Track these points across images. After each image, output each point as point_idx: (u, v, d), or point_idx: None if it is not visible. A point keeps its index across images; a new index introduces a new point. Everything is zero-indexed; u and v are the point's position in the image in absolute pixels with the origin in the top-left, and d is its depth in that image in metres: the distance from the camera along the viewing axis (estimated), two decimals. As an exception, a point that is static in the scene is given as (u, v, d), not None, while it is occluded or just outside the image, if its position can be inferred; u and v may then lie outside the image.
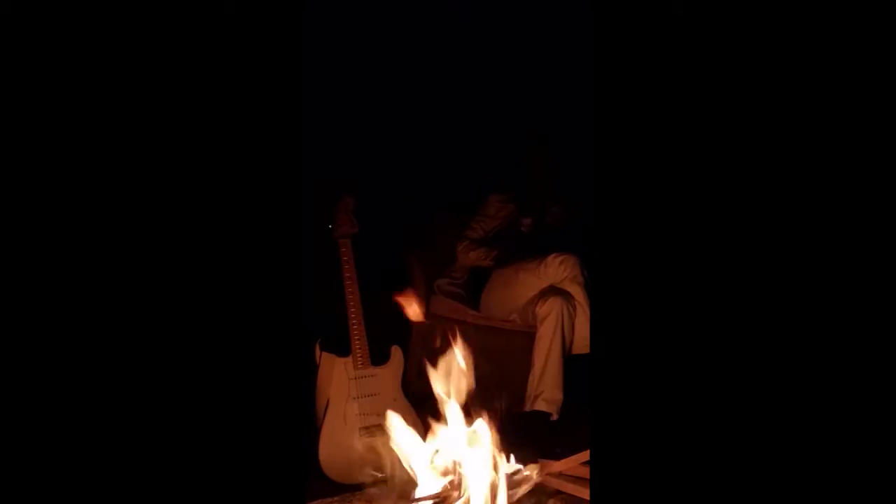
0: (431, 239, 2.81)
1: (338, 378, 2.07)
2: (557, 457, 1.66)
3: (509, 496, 1.47)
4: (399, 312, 2.41)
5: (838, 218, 1.00)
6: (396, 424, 1.58)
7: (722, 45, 1.03)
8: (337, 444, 2.01)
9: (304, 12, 1.13)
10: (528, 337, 2.41)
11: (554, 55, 2.73)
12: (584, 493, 1.55)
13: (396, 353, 2.16)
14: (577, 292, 2.41)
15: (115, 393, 1.04)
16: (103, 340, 1.04)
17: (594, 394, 1.10)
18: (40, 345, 1.02)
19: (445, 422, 1.54)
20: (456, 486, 1.48)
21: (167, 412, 1.06)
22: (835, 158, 0.99)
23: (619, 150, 1.08)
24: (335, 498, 1.73)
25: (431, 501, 1.49)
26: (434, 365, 1.59)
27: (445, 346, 1.62)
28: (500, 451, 1.50)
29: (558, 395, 2.32)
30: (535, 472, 1.58)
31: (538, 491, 1.59)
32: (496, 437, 1.49)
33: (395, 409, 2.04)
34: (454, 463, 1.50)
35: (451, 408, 1.53)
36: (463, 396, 1.55)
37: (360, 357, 2.09)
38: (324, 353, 2.11)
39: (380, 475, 1.91)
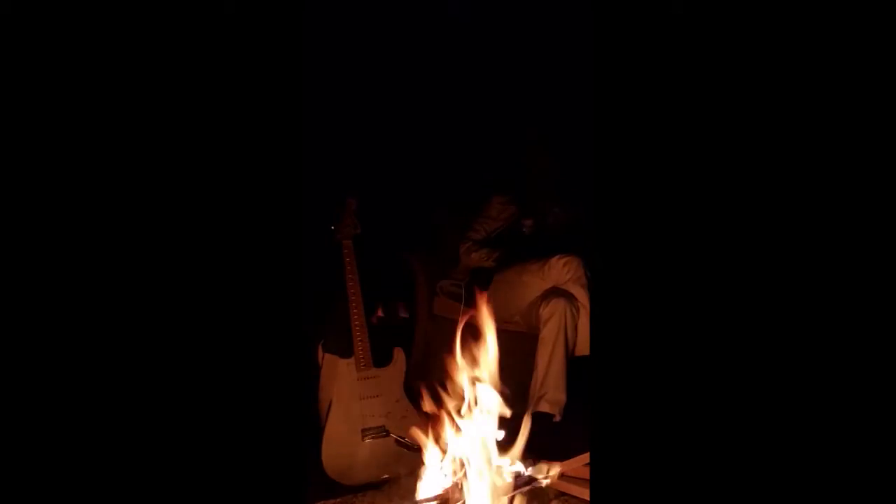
0: (434, 240, 2.81)
1: (340, 379, 2.07)
2: (560, 458, 1.66)
3: (510, 498, 1.47)
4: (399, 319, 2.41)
5: (839, 220, 0.99)
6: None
7: (722, 44, 1.03)
8: (339, 446, 2.01)
9: (304, 13, 1.13)
10: (531, 339, 2.41)
11: (554, 55, 2.73)
12: (587, 495, 1.54)
13: (399, 354, 2.15)
14: (581, 294, 2.41)
15: (117, 394, 1.04)
16: (105, 341, 1.04)
17: (594, 395, 1.10)
18: (40, 346, 1.02)
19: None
20: (459, 487, 1.48)
21: (169, 413, 1.06)
22: (836, 160, 0.99)
23: (620, 150, 1.08)
24: (337, 499, 1.73)
25: (434, 503, 1.49)
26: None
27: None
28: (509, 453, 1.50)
29: (561, 397, 2.32)
30: (538, 473, 1.57)
31: (541, 492, 1.58)
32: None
33: (398, 411, 2.05)
34: (459, 463, 1.50)
35: (484, 391, 1.52)
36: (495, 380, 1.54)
37: (363, 358, 2.09)
38: (326, 355, 2.11)
39: (383, 476, 1.91)
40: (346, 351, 2.10)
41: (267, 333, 1.11)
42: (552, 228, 2.68)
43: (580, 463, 1.64)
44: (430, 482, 1.53)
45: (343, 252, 2.16)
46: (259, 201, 1.11)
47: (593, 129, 1.09)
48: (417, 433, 1.58)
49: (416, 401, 2.07)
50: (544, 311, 2.36)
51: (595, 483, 1.12)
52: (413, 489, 1.56)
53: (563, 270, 2.44)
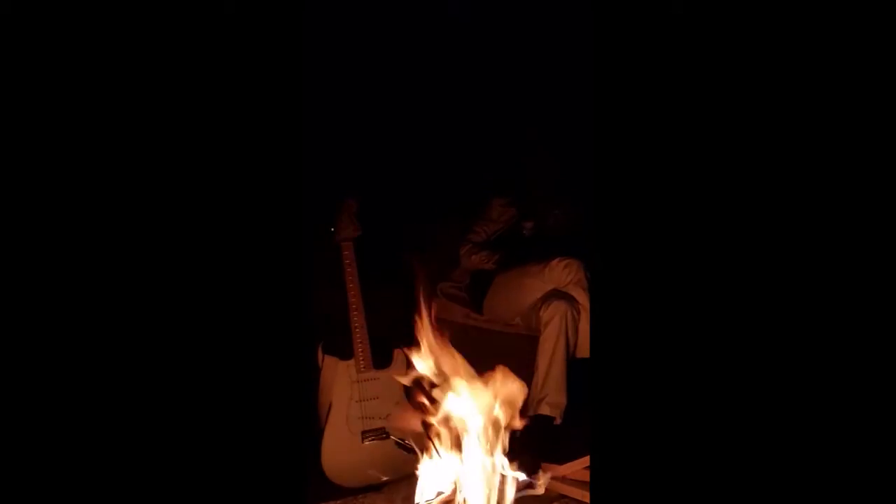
0: (434, 242, 2.80)
1: (340, 381, 2.06)
2: (561, 461, 1.65)
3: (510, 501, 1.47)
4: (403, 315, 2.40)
5: (840, 222, 0.99)
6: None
7: (722, 44, 1.02)
8: (339, 448, 2.00)
9: (304, 14, 1.12)
10: (531, 341, 2.40)
11: (554, 55, 2.72)
12: (588, 498, 1.54)
13: (399, 355, 2.15)
14: (581, 296, 2.40)
15: (117, 395, 1.04)
16: (106, 341, 1.04)
17: (595, 398, 1.10)
18: (38, 347, 1.02)
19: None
20: (459, 490, 1.47)
21: (169, 415, 1.06)
22: (837, 161, 0.99)
23: (620, 152, 1.08)
24: (337, 501, 1.73)
25: (434, 505, 1.49)
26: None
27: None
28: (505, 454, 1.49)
29: (562, 400, 2.31)
30: (539, 476, 1.57)
31: (541, 495, 1.58)
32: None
33: (397, 413, 2.05)
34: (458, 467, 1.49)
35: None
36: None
37: (363, 360, 2.09)
38: (326, 356, 2.11)
39: (383, 478, 1.91)
40: (345, 353, 2.10)
41: (267, 335, 1.11)
42: (552, 231, 2.68)
43: (580, 466, 1.64)
44: (430, 485, 1.52)
45: (343, 254, 2.16)
46: (259, 202, 1.11)
47: (593, 130, 1.09)
48: (417, 436, 1.58)
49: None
50: (545, 314, 2.35)
51: (595, 486, 1.12)
52: (413, 492, 1.56)
53: (563, 273, 2.44)
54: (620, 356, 1.08)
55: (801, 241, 1.00)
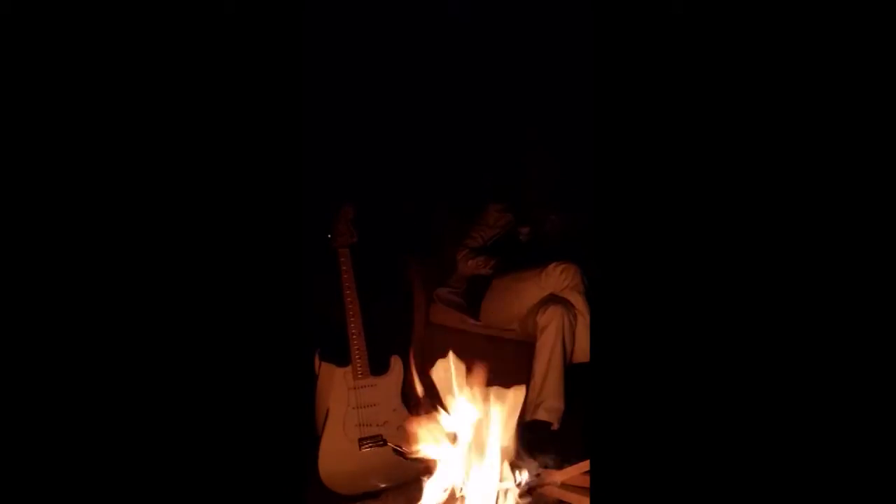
0: (431, 248, 2.80)
1: (337, 388, 2.06)
2: (559, 466, 1.65)
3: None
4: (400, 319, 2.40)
5: (841, 224, 0.99)
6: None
7: (722, 46, 1.03)
8: (336, 455, 2.00)
9: (303, 17, 1.12)
10: (528, 346, 2.40)
11: (552, 60, 2.73)
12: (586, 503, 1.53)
13: (396, 362, 2.15)
14: (578, 301, 2.40)
15: (113, 400, 1.03)
16: (103, 346, 1.03)
17: (593, 403, 1.10)
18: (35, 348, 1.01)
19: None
20: (459, 496, 1.47)
21: (166, 422, 1.05)
22: (840, 164, 0.99)
23: (619, 156, 1.08)
24: (335, 509, 1.72)
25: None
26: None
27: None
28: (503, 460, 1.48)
29: (559, 405, 2.31)
30: (536, 481, 1.56)
31: (539, 501, 1.57)
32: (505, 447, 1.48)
33: (395, 420, 2.04)
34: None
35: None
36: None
37: (360, 367, 2.08)
38: (323, 363, 2.10)
39: (379, 485, 1.90)
40: (343, 359, 2.09)
41: (264, 341, 1.11)
42: (549, 236, 2.68)
43: (579, 471, 1.63)
44: (429, 492, 1.51)
45: (339, 260, 2.15)
46: (258, 208, 1.10)
47: (593, 133, 1.09)
48: (415, 442, 1.57)
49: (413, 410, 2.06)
50: (542, 319, 2.35)
51: (594, 492, 1.11)
52: (411, 499, 1.55)
53: (560, 278, 2.44)
54: (620, 361, 1.07)
55: (801, 238, 1.00)
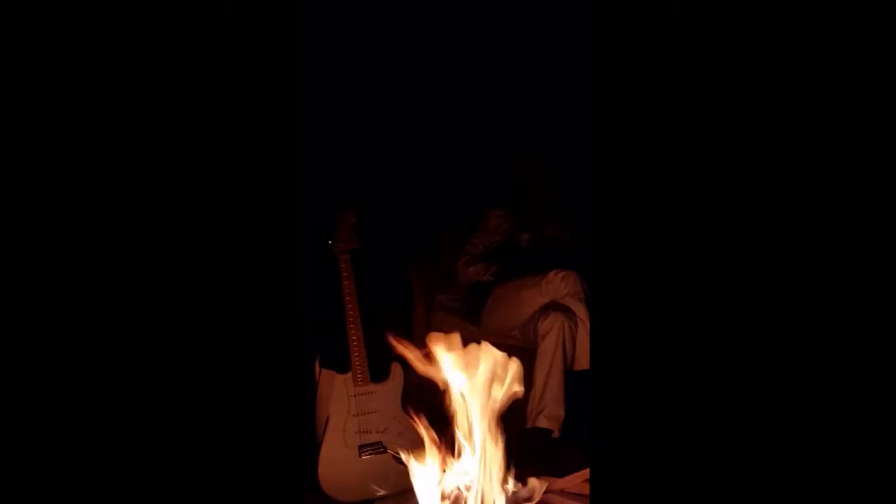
0: (432, 254, 2.80)
1: (337, 395, 2.05)
2: (560, 474, 1.65)
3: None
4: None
5: (843, 231, 0.99)
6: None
7: (723, 49, 1.03)
8: (336, 462, 1.99)
9: (301, 22, 1.13)
10: (529, 353, 2.40)
11: (554, 67, 2.73)
12: (587, 511, 1.53)
13: (396, 369, 2.14)
14: (579, 308, 2.40)
15: (113, 410, 1.03)
16: (103, 354, 1.03)
17: (594, 410, 1.09)
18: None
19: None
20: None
21: (165, 427, 1.05)
22: (839, 168, 0.99)
23: (620, 163, 1.08)
24: (334, 516, 1.71)
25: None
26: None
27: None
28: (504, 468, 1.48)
29: (560, 412, 2.30)
30: (538, 489, 1.56)
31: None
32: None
33: (395, 427, 2.04)
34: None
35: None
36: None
37: (360, 373, 2.08)
38: (323, 370, 2.10)
39: (379, 492, 1.89)
40: (343, 366, 2.09)
41: (264, 348, 1.10)
42: (550, 243, 2.68)
43: (580, 479, 1.63)
44: (428, 499, 1.51)
45: (340, 266, 2.15)
46: (255, 213, 1.10)
47: (594, 140, 1.09)
48: (415, 450, 1.57)
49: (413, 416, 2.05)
50: (542, 326, 2.35)
51: (594, 499, 1.11)
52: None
53: (560, 285, 2.44)
54: (620, 368, 1.07)
55: (801, 248, 1.00)
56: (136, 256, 1.05)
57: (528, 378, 2.35)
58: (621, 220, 1.08)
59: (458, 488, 1.47)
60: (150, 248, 1.06)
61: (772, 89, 1.02)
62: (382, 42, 2.65)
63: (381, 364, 2.12)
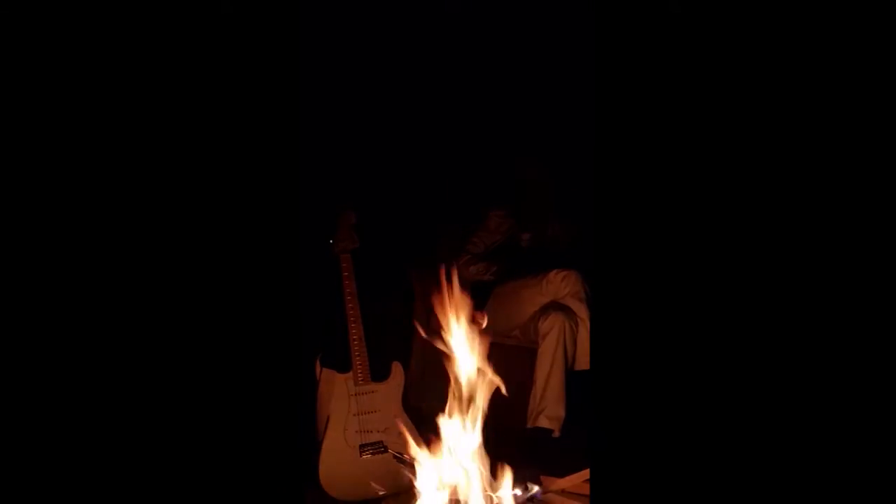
0: (432, 254, 2.80)
1: (338, 394, 2.05)
2: (560, 474, 1.65)
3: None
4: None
5: (842, 231, 0.99)
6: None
7: (723, 56, 1.03)
8: (337, 461, 1.99)
9: (301, 22, 1.13)
10: (529, 353, 2.40)
11: (554, 67, 2.73)
12: (588, 511, 1.53)
13: (397, 368, 2.14)
14: (579, 308, 2.40)
15: (113, 410, 1.03)
16: (103, 353, 1.03)
17: (594, 410, 1.09)
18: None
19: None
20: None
21: (165, 426, 1.05)
22: (839, 168, 0.99)
23: (620, 163, 1.08)
24: (334, 516, 1.71)
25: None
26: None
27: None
28: (502, 468, 1.48)
29: (560, 412, 2.30)
30: (538, 489, 1.56)
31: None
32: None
33: (396, 426, 2.03)
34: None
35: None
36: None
37: (361, 373, 2.08)
38: (324, 369, 2.10)
39: (380, 492, 1.89)
40: (344, 365, 2.09)
41: (264, 348, 1.10)
42: (550, 242, 2.68)
43: (580, 479, 1.63)
44: (428, 499, 1.51)
45: (341, 266, 2.15)
46: (255, 212, 1.10)
47: (594, 140, 1.09)
48: (415, 450, 1.57)
49: (413, 416, 2.06)
50: (543, 326, 2.35)
51: (595, 499, 1.11)
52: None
53: (561, 285, 2.44)
54: (621, 368, 1.07)
55: (799, 247, 1.00)
56: (136, 255, 1.05)
57: (528, 378, 2.36)
58: (621, 220, 1.08)
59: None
60: (151, 248, 1.06)
61: (772, 89, 1.02)
62: (382, 42, 2.65)
63: (381, 363, 2.13)
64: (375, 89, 2.71)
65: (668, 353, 1.04)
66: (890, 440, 0.96)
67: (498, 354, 2.48)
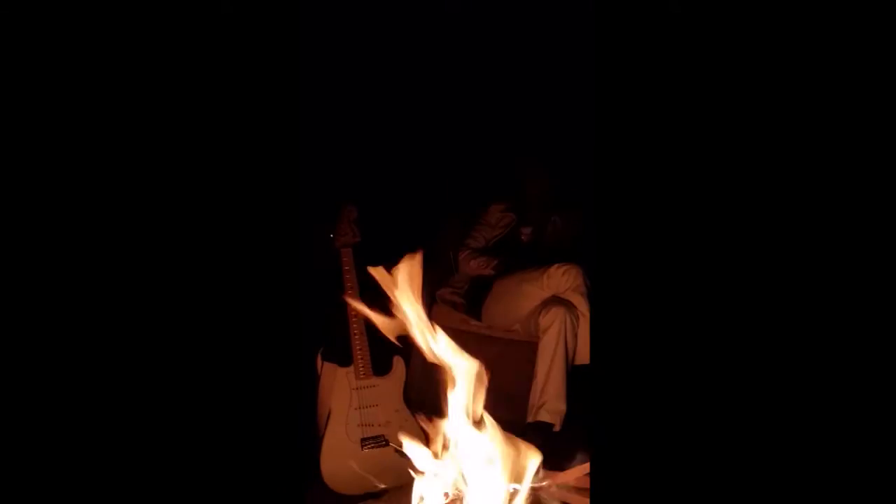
0: (433, 248, 2.80)
1: (339, 388, 2.06)
2: (561, 468, 1.65)
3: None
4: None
5: (841, 227, 0.99)
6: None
7: (722, 47, 1.03)
8: (338, 455, 2.00)
9: (301, 17, 1.12)
10: (530, 347, 2.40)
11: (554, 61, 2.73)
12: (588, 505, 1.53)
13: (398, 363, 2.15)
14: (580, 302, 2.40)
15: (112, 405, 1.03)
16: (101, 347, 1.03)
17: (595, 404, 1.10)
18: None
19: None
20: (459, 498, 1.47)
21: (165, 421, 1.05)
22: (840, 164, 0.99)
23: (621, 156, 1.08)
24: (336, 509, 1.72)
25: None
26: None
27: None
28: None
29: (561, 406, 2.31)
30: (539, 483, 1.56)
31: (540, 503, 1.57)
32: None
33: (397, 420, 2.04)
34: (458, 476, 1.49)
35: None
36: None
37: (362, 367, 2.08)
38: (325, 363, 2.11)
39: (381, 486, 1.90)
40: (345, 359, 2.09)
41: (265, 342, 1.11)
42: (551, 236, 2.68)
43: (581, 473, 1.63)
44: (429, 493, 1.51)
45: (342, 260, 2.16)
46: (255, 207, 1.10)
47: (594, 134, 1.09)
48: (416, 443, 1.57)
49: (415, 410, 2.06)
50: (544, 320, 2.35)
51: (595, 493, 1.11)
52: (411, 499, 1.55)
53: (562, 279, 2.44)
54: (621, 362, 1.07)
55: (800, 242, 1.00)
56: (136, 252, 1.05)
57: (529, 372, 2.36)
58: (622, 215, 1.08)
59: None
60: (152, 244, 1.06)
61: (772, 89, 1.01)
62: (383, 40, 2.65)
63: (382, 357, 2.13)
64: (376, 86, 2.71)
65: (668, 348, 1.04)
66: (890, 440, 0.96)
67: (498, 349, 2.50)
